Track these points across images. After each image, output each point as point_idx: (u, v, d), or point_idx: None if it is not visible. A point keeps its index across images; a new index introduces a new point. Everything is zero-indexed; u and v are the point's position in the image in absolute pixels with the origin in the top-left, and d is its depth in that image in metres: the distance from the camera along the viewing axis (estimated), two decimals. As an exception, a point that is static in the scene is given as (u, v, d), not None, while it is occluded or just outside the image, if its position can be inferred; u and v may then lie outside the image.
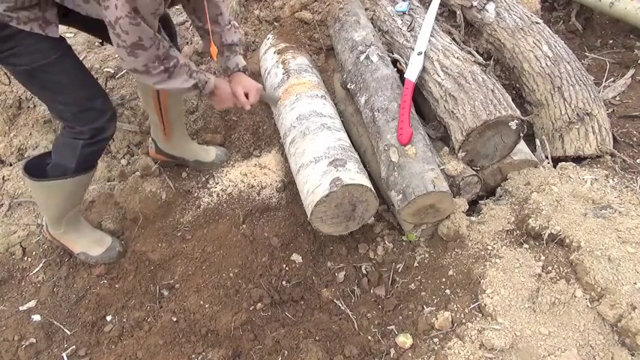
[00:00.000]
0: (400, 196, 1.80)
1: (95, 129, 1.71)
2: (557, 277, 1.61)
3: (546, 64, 2.24)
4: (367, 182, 1.85)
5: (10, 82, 2.25)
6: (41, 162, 1.82)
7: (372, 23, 2.57)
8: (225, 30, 1.88)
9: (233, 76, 1.92)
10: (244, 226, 2.12)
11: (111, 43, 1.53)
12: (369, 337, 1.75)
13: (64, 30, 1.75)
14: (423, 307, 1.75)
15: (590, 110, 2.11)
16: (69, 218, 1.96)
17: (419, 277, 1.86)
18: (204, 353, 1.74)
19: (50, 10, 1.52)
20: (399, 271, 1.94)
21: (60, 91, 1.64)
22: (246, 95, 1.89)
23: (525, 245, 1.76)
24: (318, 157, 1.90)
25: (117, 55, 1.52)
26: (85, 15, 1.60)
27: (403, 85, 2.07)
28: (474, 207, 2.03)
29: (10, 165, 2.46)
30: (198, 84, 1.71)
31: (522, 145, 2.05)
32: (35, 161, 1.84)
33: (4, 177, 2.40)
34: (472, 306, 1.63)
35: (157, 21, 1.53)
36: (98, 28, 1.66)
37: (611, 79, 2.65)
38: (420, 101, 2.22)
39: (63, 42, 1.63)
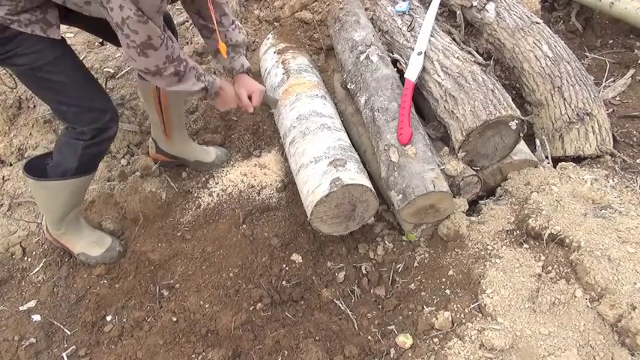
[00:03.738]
0: (400, 196, 1.80)
1: (97, 129, 1.71)
2: (557, 277, 1.61)
3: (546, 64, 2.24)
4: (367, 182, 1.85)
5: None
6: (41, 162, 1.83)
7: (372, 23, 2.57)
8: (229, 30, 1.88)
9: (237, 78, 1.93)
10: (244, 226, 2.12)
11: (114, 43, 1.53)
12: (369, 337, 1.75)
13: (64, 30, 1.75)
14: (423, 307, 1.75)
15: (590, 110, 2.11)
16: (70, 219, 1.96)
17: (419, 277, 1.86)
18: (204, 353, 1.74)
19: (51, 12, 1.53)
20: (399, 271, 1.94)
21: (61, 91, 1.64)
22: (250, 97, 1.90)
23: (525, 245, 1.76)
24: (318, 157, 1.90)
25: (127, 57, 1.53)
26: (88, 15, 1.60)
27: (403, 85, 2.07)
28: (474, 207, 2.03)
29: (10, 165, 2.46)
30: (207, 86, 1.73)
31: (522, 145, 2.05)
32: (35, 161, 1.84)
33: (4, 177, 2.40)
34: (472, 306, 1.63)
35: (161, 19, 1.53)
36: (100, 28, 1.66)
37: (611, 79, 2.65)
38: (420, 101, 2.21)
39: (63, 42, 1.63)
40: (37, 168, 1.81)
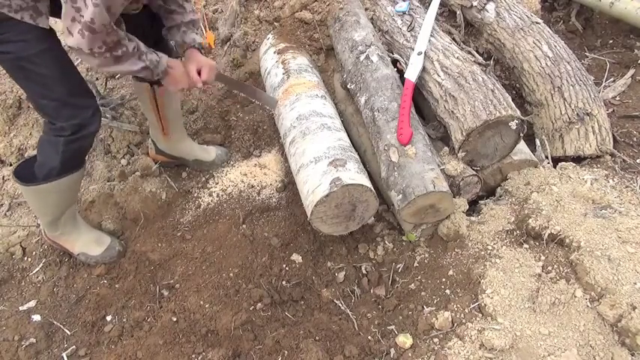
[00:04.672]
0: (400, 196, 1.80)
1: (76, 125, 1.69)
2: (557, 277, 1.61)
3: (546, 64, 2.24)
4: (367, 182, 1.85)
5: None
6: (28, 166, 1.82)
7: (372, 23, 2.57)
8: (189, 12, 1.86)
9: (187, 54, 1.86)
10: (244, 226, 2.12)
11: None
12: (369, 337, 1.75)
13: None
14: (423, 307, 1.75)
15: (590, 110, 2.10)
16: (65, 219, 1.96)
17: (419, 277, 1.86)
18: (204, 353, 1.74)
19: (42, 2, 1.52)
20: (399, 271, 1.94)
21: (44, 84, 1.63)
22: (199, 73, 1.84)
23: (525, 245, 1.76)
24: (318, 157, 1.90)
25: (64, 30, 1.48)
26: None
27: (403, 85, 2.07)
28: (474, 207, 2.03)
29: (10, 165, 2.46)
30: (149, 65, 1.67)
31: (522, 145, 2.05)
32: (25, 165, 1.84)
33: (4, 177, 2.40)
34: (472, 306, 1.63)
35: (119, 10, 1.50)
36: None
37: (611, 79, 2.65)
38: (420, 101, 2.21)
39: (52, 35, 1.61)
40: (26, 172, 1.80)
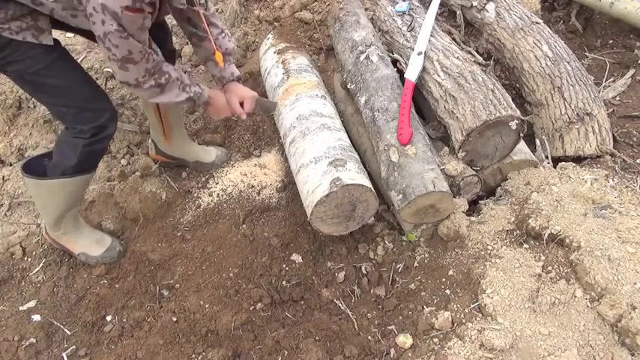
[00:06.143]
0: (400, 196, 1.80)
1: (96, 127, 1.72)
2: (557, 277, 1.61)
3: (546, 64, 2.24)
4: (367, 182, 1.85)
5: None
6: (39, 162, 1.83)
7: (372, 23, 2.57)
8: (218, 38, 1.88)
9: (228, 86, 1.93)
10: (244, 226, 2.12)
11: None
12: (369, 337, 1.75)
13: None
14: (423, 307, 1.75)
15: (590, 110, 2.10)
16: (68, 219, 1.96)
17: (419, 277, 1.86)
18: (204, 353, 1.74)
19: (42, 19, 1.53)
20: (399, 271, 1.94)
21: (58, 94, 1.65)
22: (242, 104, 1.90)
23: (525, 245, 1.76)
24: (318, 157, 1.90)
25: (110, 68, 1.54)
26: (75, 27, 1.62)
27: (403, 85, 2.07)
28: (474, 207, 2.03)
29: (10, 165, 2.47)
30: (193, 97, 1.74)
31: (522, 145, 2.05)
32: (34, 162, 1.85)
33: (4, 177, 2.40)
34: (472, 306, 1.63)
35: (146, 34, 1.54)
36: (91, 34, 1.67)
37: (611, 79, 2.65)
38: (420, 101, 2.21)
39: (57, 45, 1.63)
40: (36, 168, 1.81)
